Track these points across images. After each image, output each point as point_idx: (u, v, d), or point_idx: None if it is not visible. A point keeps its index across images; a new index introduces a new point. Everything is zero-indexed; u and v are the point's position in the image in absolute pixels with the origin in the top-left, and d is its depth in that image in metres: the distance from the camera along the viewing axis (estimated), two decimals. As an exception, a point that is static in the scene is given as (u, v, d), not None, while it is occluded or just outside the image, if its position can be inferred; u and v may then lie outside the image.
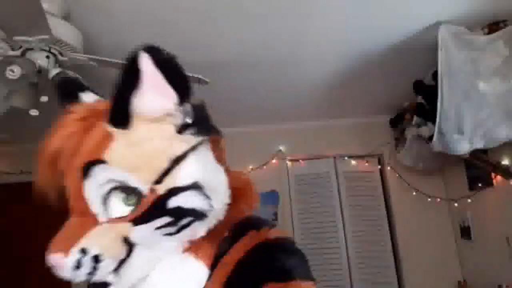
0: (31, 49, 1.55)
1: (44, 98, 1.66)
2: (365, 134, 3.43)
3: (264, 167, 3.35)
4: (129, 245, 0.58)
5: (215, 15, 1.95)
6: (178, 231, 0.59)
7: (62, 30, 1.62)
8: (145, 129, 0.57)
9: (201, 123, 0.60)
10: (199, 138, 0.60)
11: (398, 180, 3.30)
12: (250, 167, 3.29)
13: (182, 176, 0.58)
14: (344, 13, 1.99)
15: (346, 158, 3.41)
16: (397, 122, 3.18)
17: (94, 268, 0.55)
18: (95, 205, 0.58)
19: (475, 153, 2.29)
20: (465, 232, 2.98)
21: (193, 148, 0.60)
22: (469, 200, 2.85)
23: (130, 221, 0.57)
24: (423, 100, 2.58)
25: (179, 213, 0.58)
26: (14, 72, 1.44)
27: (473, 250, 2.92)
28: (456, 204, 3.06)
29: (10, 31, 1.47)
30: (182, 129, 0.58)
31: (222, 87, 2.63)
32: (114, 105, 0.57)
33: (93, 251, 0.55)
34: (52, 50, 1.60)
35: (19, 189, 3.38)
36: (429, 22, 2.08)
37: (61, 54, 1.64)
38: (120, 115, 0.57)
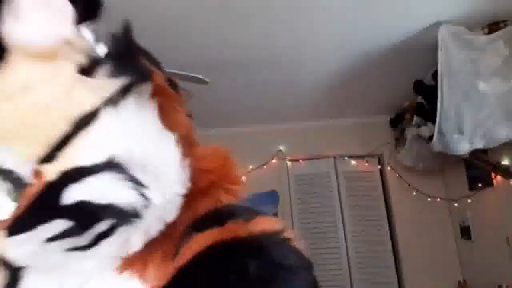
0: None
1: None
2: (365, 134, 3.43)
3: (264, 167, 3.35)
4: (11, 270, 0.34)
5: (215, 15, 1.95)
6: (93, 244, 0.35)
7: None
8: (26, 70, 0.34)
9: (124, 58, 0.37)
10: (120, 83, 0.35)
11: (398, 180, 3.29)
12: (250, 167, 3.29)
13: (89, 148, 0.34)
14: (344, 13, 1.99)
15: (346, 158, 3.41)
16: (397, 122, 3.18)
17: None
18: None
19: (475, 153, 2.29)
20: (465, 232, 2.98)
21: (111, 101, 0.35)
22: (469, 200, 2.85)
23: (6, 227, 0.33)
24: (423, 100, 2.58)
25: (84, 213, 0.34)
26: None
27: (473, 250, 2.92)
28: (456, 204, 3.05)
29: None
30: (90, 68, 0.35)
31: (222, 87, 2.63)
32: None
33: None
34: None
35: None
36: (429, 22, 2.08)
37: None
38: None
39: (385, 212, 3.32)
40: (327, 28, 2.12)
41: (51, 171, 0.33)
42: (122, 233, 0.35)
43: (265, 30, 2.10)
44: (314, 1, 1.88)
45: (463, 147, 2.14)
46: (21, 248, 0.33)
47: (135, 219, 0.35)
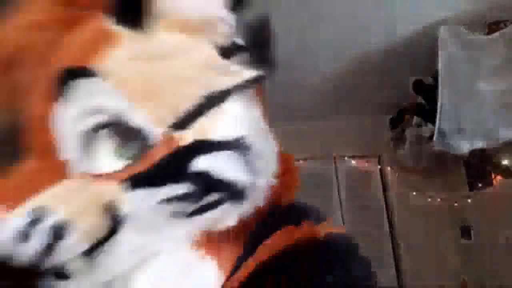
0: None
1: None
2: (365, 134, 3.43)
3: (264, 167, 3.34)
4: (114, 220, 0.34)
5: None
6: (197, 212, 0.36)
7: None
8: (171, 38, 0.35)
9: (259, 50, 0.40)
10: (253, 74, 0.38)
11: (398, 180, 3.29)
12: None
13: (219, 125, 0.36)
14: (344, 13, 1.99)
15: (346, 158, 3.41)
16: (397, 122, 3.17)
17: (51, 245, 0.32)
18: (68, 146, 0.34)
19: (475, 153, 2.29)
20: (465, 232, 2.98)
21: (240, 87, 0.37)
22: (469, 200, 2.85)
23: (124, 180, 0.34)
24: (423, 100, 2.57)
25: (205, 183, 0.35)
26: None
27: (473, 250, 2.92)
28: (456, 204, 3.05)
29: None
30: (228, 52, 0.37)
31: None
32: None
33: (54, 216, 0.32)
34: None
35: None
36: (429, 22, 2.08)
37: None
38: (133, 6, 0.34)
39: (385, 212, 3.32)
40: (326, 28, 2.12)
41: (183, 138, 0.35)
42: (224, 209, 0.38)
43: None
44: (313, 1, 1.88)
45: (463, 147, 2.14)
46: (136, 203, 0.34)
47: (241, 200, 0.38)
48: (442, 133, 2.19)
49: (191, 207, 0.36)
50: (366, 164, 3.43)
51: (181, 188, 0.34)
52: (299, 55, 2.38)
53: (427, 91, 2.45)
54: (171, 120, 0.34)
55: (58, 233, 0.32)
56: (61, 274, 0.34)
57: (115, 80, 0.33)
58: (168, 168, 0.34)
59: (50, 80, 0.34)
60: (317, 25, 2.08)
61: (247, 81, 0.38)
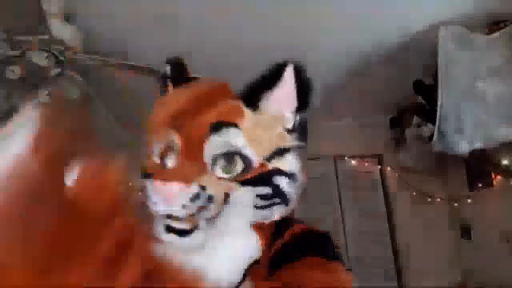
0: (31, 49, 1.56)
1: (44, 98, 1.66)
2: (365, 134, 3.43)
3: (264, 167, 3.35)
4: (225, 203, 0.62)
5: (215, 15, 1.95)
6: (263, 207, 0.65)
7: (62, 30, 1.62)
8: (268, 118, 0.68)
9: (302, 133, 0.71)
10: (298, 144, 0.70)
11: (398, 180, 3.30)
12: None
13: (286, 164, 0.67)
14: (344, 13, 1.99)
15: (346, 158, 3.41)
16: (397, 122, 3.18)
17: (204, 207, 0.59)
18: (209, 156, 0.63)
19: (475, 153, 2.29)
20: (465, 232, 2.98)
21: (294, 148, 0.69)
22: (469, 200, 2.85)
23: (238, 181, 0.63)
24: (423, 100, 2.58)
25: (277, 190, 0.65)
26: (14, 72, 1.44)
27: (473, 250, 2.92)
28: (456, 204, 3.06)
29: (10, 31, 1.47)
30: (288, 131, 0.70)
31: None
32: (253, 89, 0.70)
33: (209, 191, 0.59)
34: (52, 50, 1.60)
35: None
36: (429, 22, 2.08)
37: (61, 54, 1.64)
38: (255, 99, 0.68)
39: (385, 212, 3.33)
40: (326, 28, 2.12)
41: (269, 166, 0.65)
42: (275, 210, 0.67)
43: (264, 31, 2.10)
44: (313, 2, 1.88)
45: (463, 147, 2.14)
46: (243, 193, 0.63)
47: (286, 206, 0.68)
48: (442, 133, 2.19)
49: (263, 202, 0.65)
50: (366, 164, 3.44)
51: (266, 190, 0.64)
52: (298, 55, 2.37)
53: (427, 91, 2.45)
54: (265, 156, 0.65)
55: (210, 200, 0.60)
56: (185, 231, 0.60)
57: (244, 132, 0.64)
58: (262, 178, 0.64)
59: (208, 124, 0.63)
60: (317, 25, 2.08)
61: (296, 146, 0.69)
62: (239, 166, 0.63)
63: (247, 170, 0.63)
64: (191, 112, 0.64)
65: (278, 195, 0.65)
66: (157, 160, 0.66)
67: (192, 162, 0.62)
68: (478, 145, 2.09)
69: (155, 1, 1.82)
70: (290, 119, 0.69)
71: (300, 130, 0.70)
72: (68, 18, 1.78)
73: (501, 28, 2.00)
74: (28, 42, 1.51)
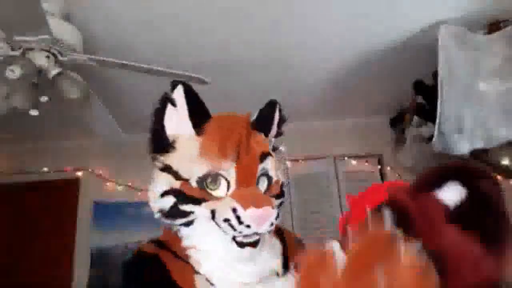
0: (31, 49, 1.55)
1: (44, 98, 1.66)
2: (365, 134, 3.43)
3: (264, 167, 3.35)
4: None
5: (215, 15, 1.95)
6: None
7: (62, 30, 1.62)
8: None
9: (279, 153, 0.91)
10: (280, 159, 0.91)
11: (398, 180, 3.29)
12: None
13: (283, 179, 0.85)
14: (344, 13, 1.99)
15: (346, 158, 3.41)
16: (397, 122, 3.18)
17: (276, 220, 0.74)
18: (256, 175, 0.78)
19: (475, 153, 2.29)
20: (465, 232, 2.98)
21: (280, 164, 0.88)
22: (469, 200, 2.85)
23: (273, 196, 0.79)
24: (423, 100, 2.57)
25: (285, 198, 0.83)
26: (14, 72, 1.44)
27: (473, 250, 2.92)
28: (456, 204, 3.05)
29: (10, 31, 1.47)
30: (273, 150, 0.89)
31: (222, 87, 2.63)
32: (268, 123, 0.89)
33: (278, 209, 0.76)
34: (52, 50, 1.60)
35: (19, 189, 3.39)
36: (429, 22, 2.08)
37: (61, 54, 1.64)
38: (268, 131, 0.88)
39: (385, 212, 3.32)
40: (327, 28, 2.12)
41: (281, 180, 0.85)
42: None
43: (265, 30, 2.10)
44: (314, 2, 1.88)
45: (463, 147, 2.14)
46: (277, 204, 0.80)
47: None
48: (442, 133, 2.19)
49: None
50: (366, 164, 3.44)
51: (283, 199, 0.82)
52: (299, 55, 2.38)
53: (427, 91, 2.45)
54: (278, 175, 0.84)
55: (278, 216, 0.78)
56: (257, 241, 0.76)
57: (272, 157, 0.84)
58: (283, 190, 0.83)
59: (259, 155, 0.78)
60: (317, 25, 2.08)
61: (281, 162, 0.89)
62: (265, 183, 0.80)
63: (270, 186, 0.80)
64: (244, 145, 0.76)
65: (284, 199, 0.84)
66: (194, 184, 0.74)
67: (254, 187, 0.76)
68: (478, 145, 2.09)
69: (154, 1, 1.82)
70: (272, 142, 0.90)
71: (277, 149, 0.91)
72: (68, 18, 1.78)
73: (501, 28, 2.00)
74: (28, 42, 1.51)
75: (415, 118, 2.73)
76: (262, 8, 1.90)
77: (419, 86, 2.54)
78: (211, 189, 0.73)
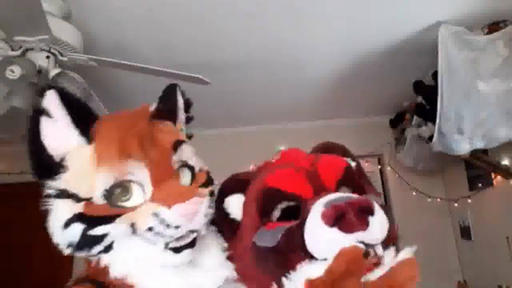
0: (31, 49, 1.55)
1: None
2: (365, 134, 3.43)
3: (264, 167, 3.34)
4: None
5: (215, 16, 1.95)
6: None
7: (62, 30, 1.62)
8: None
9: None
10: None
11: (398, 180, 3.30)
12: (251, 167, 3.28)
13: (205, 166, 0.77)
14: (344, 13, 1.99)
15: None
16: (397, 122, 3.18)
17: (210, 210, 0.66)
18: (174, 168, 0.67)
19: (475, 153, 2.29)
20: (465, 232, 2.98)
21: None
22: (469, 200, 2.85)
23: (200, 186, 0.68)
24: (423, 100, 2.57)
25: (214, 185, 0.73)
26: (14, 72, 1.44)
27: (473, 250, 2.92)
28: (456, 204, 3.05)
29: (10, 31, 1.47)
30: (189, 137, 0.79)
31: (222, 87, 2.63)
32: (172, 110, 0.77)
33: (210, 196, 0.66)
34: (52, 50, 1.60)
35: (19, 189, 3.39)
36: (429, 22, 2.08)
37: (61, 54, 1.64)
38: (175, 118, 0.76)
39: (385, 212, 3.32)
40: (327, 28, 2.12)
41: (204, 169, 0.72)
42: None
43: (265, 30, 2.10)
44: (314, 2, 1.88)
45: (463, 147, 2.14)
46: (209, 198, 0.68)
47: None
48: (442, 133, 2.19)
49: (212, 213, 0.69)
50: (366, 164, 3.43)
51: (214, 187, 0.70)
52: (299, 55, 2.38)
53: (427, 91, 2.45)
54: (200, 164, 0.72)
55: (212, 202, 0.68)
56: (193, 241, 0.65)
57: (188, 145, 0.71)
58: (210, 179, 0.70)
59: (170, 144, 0.67)
60: (317, 25, 2.08)
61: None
62: (189, 175, 0.68)
63: (194, 177, 0.68)
64: (148, 138, 0.65)
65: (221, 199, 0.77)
66: (101, 201, 0.61)
67: (173, 180, 0.65)
68: (478, 145, 2.09)
69: (154, 1, 1.82)
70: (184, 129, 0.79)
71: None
72: (68, 18, 1.78)
73: (501, 28, 2.00)
74: (28, 42, 1.51)
75: (415, 118, 2.73)
76: (262, 8, 1.90)
77: (419, 86, 2.54)
78: (123, 201, 0.61)
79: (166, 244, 0.61)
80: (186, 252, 0.63)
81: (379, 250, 0.62)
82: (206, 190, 0.66)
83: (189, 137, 0.78)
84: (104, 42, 2.08)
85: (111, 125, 0.66)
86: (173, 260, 0.62)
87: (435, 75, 2.22)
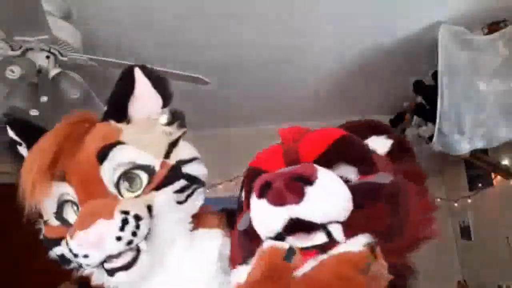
0: (31, 49, 1.55)
1: (44, 98, 1.65)
2: (365, 134, 3.42)
3: (264, 167, 3.34)
4: (150, 215, 0.61)
5: (215, 16, 1.95)
6: (185, 200, 0.66)
7: (62, 30, 1.62)
8: (144, 122, 0.68)
9: (181, 119, 0.71)
10: (182, 130, 0.71)
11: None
12: (250, 167, 3.28)
13: (184, 152, 0.68)
14: (344, 13, 1.99)
15: (346, 158, 3.41)
16: (397, 122, 3.17)
17: (137, 227, 0.57)
18: (111, 187, 0.61)
19: (475, 153, 2.29)
20: (465, 232, 2.98)
21: (181, 136, 0.71)
22: (469, 200, 2.85)
23: (152, 189, 0.62)
24: (423, 100, 2.57)
25: (190, 178, 0.66)
26: (14, 72, 1.44)
27: (473, 250, 2.92)
28: (456, 204, 3.05)
29: (10, 31, 1.47)
30: (168, 125, 0.69)
31: (223, 87, 2.63)
32: (115, 103, 0.69)
33: (132, 212, 0.57)
34: (52, 50, 1.60)
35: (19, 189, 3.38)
36: (429, 22, 2.08)
37: (61, 54, 1.64)
38: (122, 112, 0.67)
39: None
40: (327, 28, 2.12)
41: (171, 161, 0.66)
42: (196, 195, 0.68)
43: (265, 30, 2.10)
44: (314, 2, 1.88)
45: (463, 147, 2.14)
46: (162, 196, 0.63)
47: (204, 185, 0.70)
48: (442, 133, 2.19)
49: (184, 195, 0.65)
50: (366, 164, 3.43)
51: (180, 183, 0.65)
52: (299, 55, 2.38)
53: (427, 91, 2.45)
54: (162, 156, 0.65)
55: (138, 219, 0.58)
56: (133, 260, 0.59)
57: (131, 143, 0.63)
58: (171, 176, 0.64)
59: (93, 156, 0.61)
60: (317, 25, 2.08)
61: (182, 133, 0.72)
62: (143, 177, 0.62)
63: (153, 176, 0.62)
64: (67, 155, 0.61)
65: (193, 181, 0.66)
66: (54, 222, 0.62)
67: (101, 199, 0.59)
68: (478, 145, 2.09)
69: (154, 1, 1.82)
70: (163, 114, 0.69)
71: (177, 117, 0.71)
72: (68, 18, 1.78)
73: (501, 28, 2.00)
74: (28, 42, 1.51)
75: (415, 118, 2.73)
76: (262, 8, 1.90)
77: (419, 86, 2.54)
78: (69, 220, 0.62)
79: (102, 265, 0.59)
80: (120, 275, 0.58)
81: (336, 231, 0.49)
82: (120, 208, 0.57)
83: (172, 122, 0.70)
84: (104, 42, 2.08)
85: (31, 150, 0.65)
86: (112, 281, 0.60)
87: (435, 75, 2.22)
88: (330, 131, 0.61)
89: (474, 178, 2.78)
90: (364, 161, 0.56)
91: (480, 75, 2.01)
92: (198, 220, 0.69)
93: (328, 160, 0.55)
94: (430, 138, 2.37)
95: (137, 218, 0.57)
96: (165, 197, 0.62)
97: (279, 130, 0.65)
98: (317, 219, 0.48)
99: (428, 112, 2.47)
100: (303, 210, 0.47)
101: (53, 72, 1.59)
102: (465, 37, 2.04)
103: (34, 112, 1.66)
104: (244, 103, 3.02)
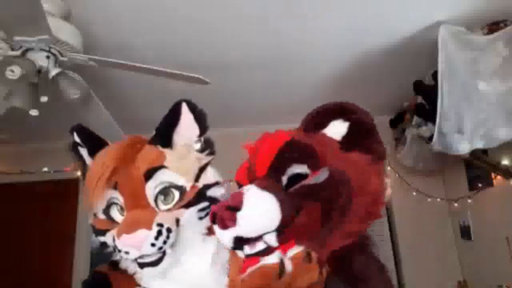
0: (31, 49, 1.55)
1: (44, 98, 1.66)
2: (365, 134, 3.42)
3: (264, 167, 3.34)
4: (177, 226, 0.77)
5: (215, 17, 1.95)
6: (205, 216, 0.79)
7: (62, 30, 1.62)
8: (183, 149, 0.83)
9: (210, 147, 0.86)
10: (210, 157, 0.86)
11: (398, 180, 3.29)
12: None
13: (211, 177, 0.83)
14: (344, 14, 1.99)
15: (346, 158, 3.41)
16: (397, 122, 3.17)
17: (168, 237, 0.73)
18: (151, 200, 0.77)
19: (475, 153, 2.29)
20: (465, 232, 2.98)
21: (209, 162, 0.85)
22: (469, 200, 2.85)
23: (182, 206, 0.77)
24: (423, 100, 2.58)
25: (212, 200, 0.79)
26: (14, 72, 1.44)
27: (473, 250, 2.92)
28: (456, 204, 3.06)
29: (10, 31, 1.47)
30: (200, 152, 0.85)
31: (223, 87, 2.63)
32: (163, 131, 0.83)
33: (166, 225, 0.74)
34: (52, 50, 1.60)
35: (19, 189, 3.39)
36: (429, 22, 2.08)
37: (61, 54, 1.64)
38: (168, 139, 0.82)
39: (385, 212, 3.32)
40: (326, 29, 2.12)
41: (199, 185, 0.80)
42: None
43: (265, 32, 2.10)
44: (314, 2, 1.88)
45: (463, 147, 2.14)
46: (189, 213, 0.77)
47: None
48: (442, 133, 2.19)
49: (204, 213, 0.79)
50: (366, 164, 3.43)
51: (204, 204, 0.79)
52: (299, 55, 2.38)
53: (427, 91, 2.45)
54: (192, 179, 0.80)
55: (169, 231, 0.74)
56: (159, 259, 0.75)
57: (170, 169, 0.79)
58: (198, 197, 0.79)
59: (141, 175, 0.77)
60: (317, 25, 2.08)
61: (210, 160, 0.86)
62: (176, 194, 0.78)
63: (183, 195, 0.78)
64: (122, 169, 0.76)
65: (213, 202, 0.79)
66: (102, 216, 0.80)
67: (141, 209, 0.75)
68: (478, 145, 2.09)
69: (154, 2, 1.82)
70: (198, 142, 0.85)
71: (208, 145, 0.86)
72: (68, 18, 1.78)
73: (501, 28, 2.00)
74: (28, 42, 1.51)
75: (415, 118, 2.73)
76: (262, 8, 1.90)
77: (419, 86, 2.54)
78: (114, 217, 0.79)
79: (136, 259, 0.75)
80: (148, 269, 0.75)
81: (270, 240, 0.63)
82: (157, 221, 0.74)
83: (204, 150, 0.86)
84: (104, 42, 2.08)
85: (96, 157, 0.81)
86: (141, 272, 0.78)
87: (435, 75, 2.22)
88: (276, 140, 0.72)
89: (474, 178, 2.78)
90: (310, 158, 0.66)
91: (480, 75, 2.01)
92: (210, 230, 0.80)
93: (278, 166, 0.68)
94: (430, 138, 2.37)
95: (169, 230, 0.74)
96: (190, 214, 0.78)
97: (245, 146, 0.81)
98: (251, 234, 0.63)
99: (428, 112, 2.47)
100: (239, 231, 0.62)
101: (53, 72, 1.59)
102: (465, 37, 2.04)
103: (34, 112, 1.66)
104: (244, 103, 3.02)
